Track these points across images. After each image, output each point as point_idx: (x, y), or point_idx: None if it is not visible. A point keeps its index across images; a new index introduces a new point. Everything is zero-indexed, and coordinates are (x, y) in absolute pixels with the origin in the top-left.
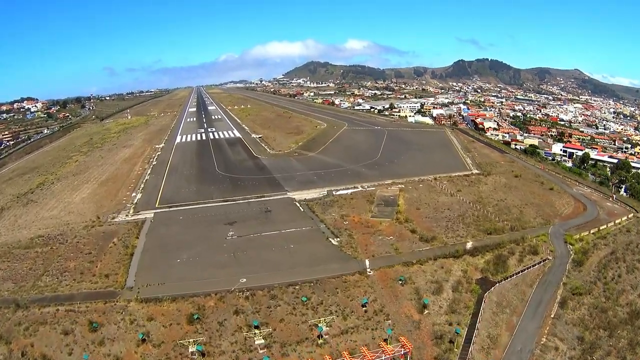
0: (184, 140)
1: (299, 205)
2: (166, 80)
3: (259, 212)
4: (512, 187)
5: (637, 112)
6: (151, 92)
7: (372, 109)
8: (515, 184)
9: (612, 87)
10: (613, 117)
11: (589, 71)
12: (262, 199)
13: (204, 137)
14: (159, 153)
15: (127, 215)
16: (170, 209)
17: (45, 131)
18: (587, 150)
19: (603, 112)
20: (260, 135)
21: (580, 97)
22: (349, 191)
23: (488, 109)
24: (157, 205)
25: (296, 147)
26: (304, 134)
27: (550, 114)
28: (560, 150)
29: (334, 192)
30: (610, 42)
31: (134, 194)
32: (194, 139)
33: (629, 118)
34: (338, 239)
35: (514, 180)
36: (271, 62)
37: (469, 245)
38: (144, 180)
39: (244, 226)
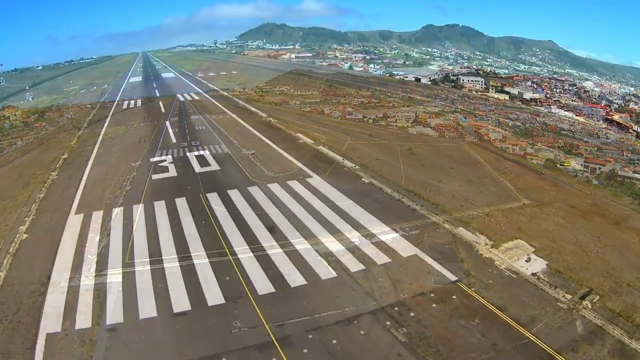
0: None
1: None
2: (110, 47)
3: None
4: (578, 223)
5: None
6: (93, 58)
7: (365, 118)
8: (579, 218)
9: (587, 61)
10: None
11: (564, 44)
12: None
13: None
14: None
15: None
16: None
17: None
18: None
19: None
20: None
21: (559, 70)
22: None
23: (484, 118)
24: None
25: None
26: (303, 149)
27: (549, 123)
28: (582, 165)
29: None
30: (583, 17)
31: None
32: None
33: None
34: None
35: (573, 213)
36: (220, 25)
37: None
38: None
39: None
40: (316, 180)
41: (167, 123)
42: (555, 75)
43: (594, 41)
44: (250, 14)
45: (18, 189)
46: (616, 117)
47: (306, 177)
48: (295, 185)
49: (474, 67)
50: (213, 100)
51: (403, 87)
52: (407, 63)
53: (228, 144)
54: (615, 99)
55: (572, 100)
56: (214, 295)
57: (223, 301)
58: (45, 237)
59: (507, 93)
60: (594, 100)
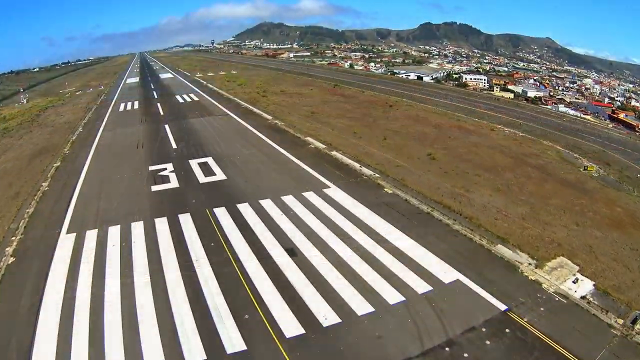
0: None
1: None
2: (108, 48)
3: None
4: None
5: None
6: (90, 59)
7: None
8: (614, 230)
9: (585, 58)
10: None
11: (561, 41)
12: None
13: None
14: None
15: None
16: None
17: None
18: None
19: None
20: None
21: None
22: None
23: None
24: None
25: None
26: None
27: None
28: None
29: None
30: (580, 14)
31: None
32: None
33: None
34: None
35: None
36: (217, 25)
37: None
38: None
39: None
40: (334, 191)
41: (166, 127)
42: (554, 73)
43: (591, 38)
44: (247, 14)
45: (7, 200)
46: (621, 115)
47: (323, 188)
48: (311, 197)
49: (474, 65)
50: (213, 101)
51: (408, 86)
52: (406, 61)
53: (233, 149)
54: (616, 97)
55: (576, 98)
56: (232, 339)
57: (244, 347)
58: (34, 261)
59: (511, 91)
60: (596, 98)
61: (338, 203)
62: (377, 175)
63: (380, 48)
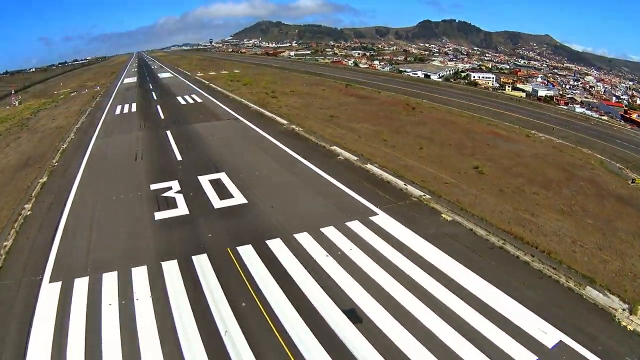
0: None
1: None
2: (105, 48)
3: None
4: None
5: None
6: (87, 59)
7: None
8: None
9: (584, 55)
10: None
11: (559, 38)
12: None
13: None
14: None
15: None
16: None
17: None
18: None
19: None
20: None
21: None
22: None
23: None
24: None
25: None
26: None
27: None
28: None
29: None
30: (578, 10)
31: None
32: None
33: None
34: None
35: None
36: (215, 24)
37: None
38: None
39: None
40: (384, 220)
41: (169, 133)
42: (555, 70)
43: (588, 35)
44: (245, 13)
45: None
46: (634, 115)
47: (369, 215)
48: (358, 228)
49: (476, 63)
50: (219, 103)
51: (421, 85)
52: (408, 59)
53: (249, 162)
54: (620, 94)
55: (585, 97)
56: None
57: None
58: (10, 323)
59: (522, 90)
60: (604, 96)
61: (393, 237)
62: (428, 196)
63: (380, 46)
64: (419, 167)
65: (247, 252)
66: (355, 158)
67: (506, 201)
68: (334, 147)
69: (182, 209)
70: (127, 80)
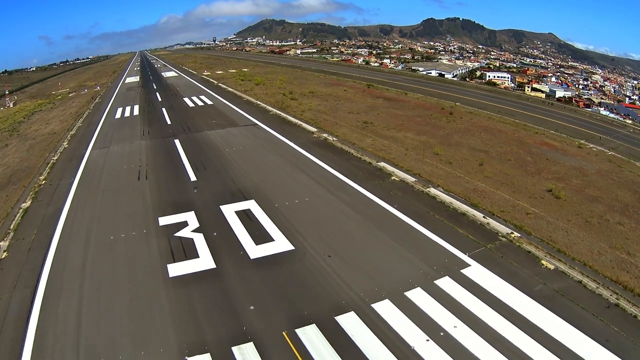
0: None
1: None
2: (107, 47)
3: None
4: None
5: None
6: (89, 58)
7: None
8: None
9: (587, 53)
10: None
11: (562, 37)
12: None
13: None
14: None
15: None
16: None
17: None
18: None
19: None
20: None
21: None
22: None
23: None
24: None
25: None
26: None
27: None
28: None
29: None
30: (580, 8)
31: None
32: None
33: None
34: None
35: None
36: (217, 22)
37: None
38: None
39: None
40: (478, 273)
41: (177, 143)
42: (561, 69)
43: (590, 33)
44: (248, 11)
45: None
46: None
47: (460, 267)
48: (451, 288)
49: (483, 61)
50: (232, 106)
51: (444, 85)
52: (415, 58)
53: (282, 184)
54: (631, 95)
55: (601, 98)
56: None
57: None
58: None
59: (542, 91)
60: (618, 97)
61: (498, 300)
62: (516, 233)
63: (385, 44)
64: (489, 191)
65: (312, 337)
66: (413, 179)
67: (598, 237)
68: (382, 164)
69: (205, 260)
70: (129, 80)
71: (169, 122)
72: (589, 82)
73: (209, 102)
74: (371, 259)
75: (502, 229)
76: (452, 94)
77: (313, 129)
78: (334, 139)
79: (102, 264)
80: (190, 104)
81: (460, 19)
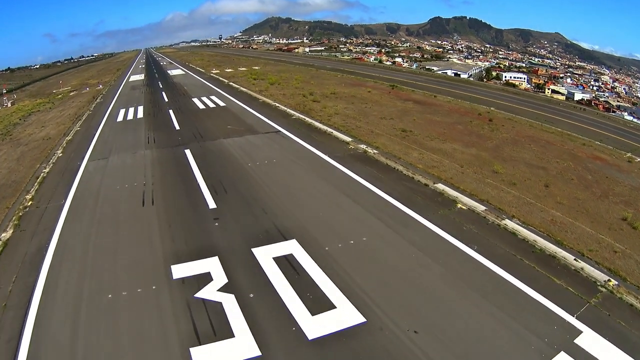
0: None
1: None
2: (112, 45)
3: None
4: None
5: None
6: (94, 56)
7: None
8: None
9: (593, 53)
10: None
11: (568, 36)
12: None
13: None
14: None
15: None
16: None
17: None
18: None
19: None
20: None
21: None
22: None
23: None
24: None
25: None
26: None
27: None
28: None
29: None
30: (586, 8)
31: None
32: None
33: None
34: None
35: None
36: (223, 20)
37: None
38: None
39: None
40: (594, 344)
41: (189, 154)
42: (570, 69)
43: (595, 33)
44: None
45: None
46: None
47: (571, 335)
48: None
49: (493, 61)
50: (248, 109)
51: (469, 87)
52: (425, 56)
53: (326, 215)
54: None
55: (618, 101)
56: None
57: None
58: None
59: (561, 93)
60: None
61: None
62: (612, 280)
63: (393, 43)
64: (568, 223)
65: None
66: (482, 207)
67: None
68: (442, 187)
69: (243, 342)
70: (133, 78)
71: (177, 127)
72: (600, 83)
73: (221, 103)
74: (468, 334)
75: (599, 275)
76: (479, 97)
77: (347, 138)
78: (375, 151)
79: (96, 343)
80: (201, 106)
81: (467, 18)
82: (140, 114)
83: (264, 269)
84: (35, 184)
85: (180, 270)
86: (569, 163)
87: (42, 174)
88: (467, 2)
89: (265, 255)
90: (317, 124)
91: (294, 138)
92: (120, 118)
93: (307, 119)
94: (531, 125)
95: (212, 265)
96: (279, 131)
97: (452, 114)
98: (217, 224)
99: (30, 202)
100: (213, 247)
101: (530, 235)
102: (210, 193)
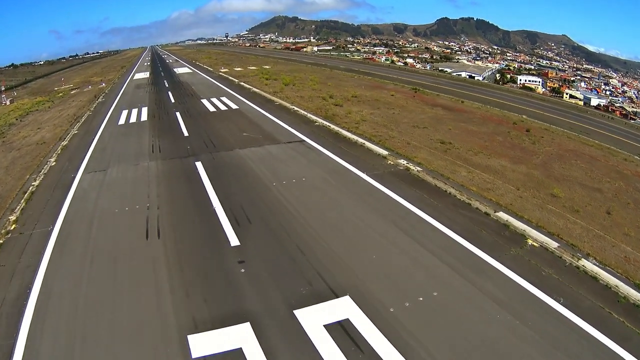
0: None
1: None
2: (118, 42)
3: None
4: None
5: None
6: (99, 52)
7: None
8: None
9: (600, 56)
10: None
11: (576, 39)
12: None
13: None
14: None
15: None
16: None
17: None
18: None
19: None
20: None
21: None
22: None
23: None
24: None
25: None
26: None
27: None
28: None
29: None
30: (592, 10)
31: None
32: None
33: None
34: None
35: None
36: (229, 18)
37: None
38: None
39: None
40: None
41: (200, 168)
42: (578, 72)
43: (601, 35)
44: (260, 8)
45: None
46: None
47: None
48: None
49: (503, 62)
50: (264, 113)
51: (491, 91)
52: (434, 57)
53: (382, 258)
54: None
55: (633, 107)
56: None
57: None
58: None
59: (579, 99)
60: None
61: None
62: None
63: (401, 43)
64: None
65: None
66: (555, 244)
67: None
68: (505, 217)
69: None
70: (137, 76)
71: (185, 132)
72: (611, 87)
73: (233, 105)
74: None
75: None
76: (506, 102)
77: (382, 151)
78: (418, 168)
79: None
80: (211, 108)
81: (474, 19)
82: (144, 116)
83: (314, 342)
84: (22, 200)
85: (201, 344)
86: (620, 183)
87: (31, 187)
88: (474, 3)
89: (313, 321)
90: (344, 132)
91: (322, 149)
92: (122, 121)
93: (332, 126)
94: (569, 137)
95: (243, 335)
96: (303, 141)
97: (487, 122)
98: (243, 270)
99: (13, 226)
100: (242, 307)
101: (611, 280)
102: (231, 223)
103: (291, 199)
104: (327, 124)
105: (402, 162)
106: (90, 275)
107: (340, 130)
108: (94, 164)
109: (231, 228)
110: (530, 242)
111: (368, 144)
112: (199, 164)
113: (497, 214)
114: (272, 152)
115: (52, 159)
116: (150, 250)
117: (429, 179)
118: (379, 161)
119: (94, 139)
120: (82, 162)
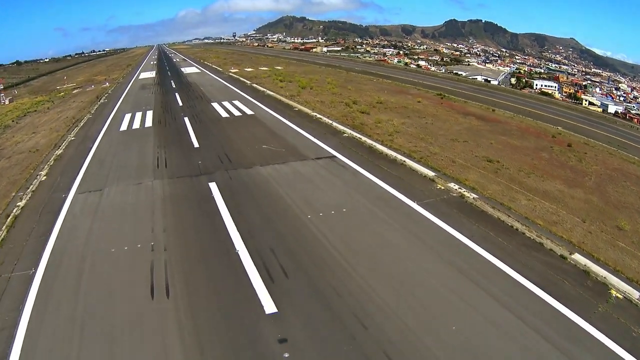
0: None
1: None
2: (124, 40)
3: None
4: None
5: None
6: (105, 50)
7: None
8: None
9: (607, 60)
10: None
11: (583, 42)
12: None
13: None
14: None
15: None
16: None
17: None
18: None
19: None
20: None
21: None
22: None
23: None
24: None
25: None
26: None
27: None
28: None
29: None
30: (600, 14)
31: None
32: None
33: None
34: None
35: None
36: (236, 18)
37: None
38: None
39: None
40: None
41: (216, 194)
42: (587, 76)
43: (608, 39)
44: (268, 8)
45: None
46: None
47: None
48: None
49: (513, 66)
50: (284, 120)
51: (515, 97)
52: (444, 59)
53: (467, 333)
54: None
55: None
56: None
57: None
58: None
59: (596, 105)
60: None
61: None
62: None
63: (409, 44)
64: None
65: None
66: (637, 294)
67: None
68: (581, 259)
69: None
70: (143, 75)
71: (196, 143)
72: (621, 92)
73: (247, 111)
74: None
75: None
76: (535, 111)
77: (428, 172)
78: (473, 195)
79: None
80: (223, 113)
81: (483, 21)
82: (148, 122)
83: None
84: (4, 227)
85: None
86: None
87: (15, 210)
88: (482, 5)
89: None
90: (378, 146)
91: (358, 169)
92: (124, 126)
93: (363, 138)
94: (610, 152)
95: None
96: (334, 156)
97: (526, 135)
98: (287, 354)
99: None
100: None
101: None
102: (261, 277)
103: (334, 240)
104: (358, 135)
105: (454, 186)
106: (79, 354)
107: (374, 143)
108: (89, 180)
109: (263, 285)
110: (614, 294)
111: (409, 162)
112: (213, 186)
113: (572, 256)
114: (300, 171)
115: (43, 172)
116: (158, 318)
117: (489, 209)
118: (427, 185)
119: (91, 149)
120: (75, 178)
